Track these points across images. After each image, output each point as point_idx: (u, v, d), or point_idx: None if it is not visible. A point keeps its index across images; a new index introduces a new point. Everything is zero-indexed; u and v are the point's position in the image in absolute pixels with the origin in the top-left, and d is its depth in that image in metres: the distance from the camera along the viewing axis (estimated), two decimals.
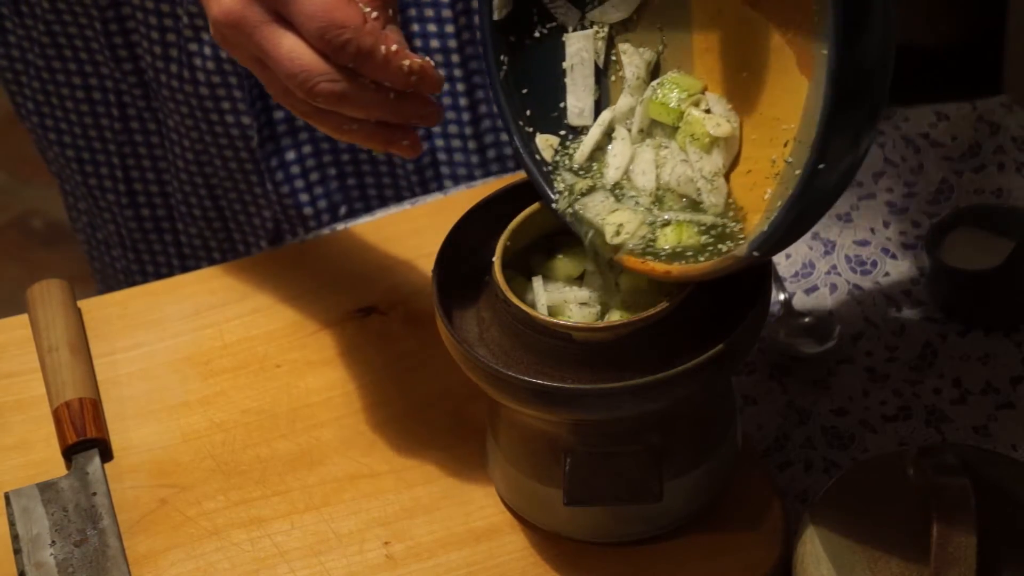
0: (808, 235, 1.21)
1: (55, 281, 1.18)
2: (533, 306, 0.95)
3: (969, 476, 0.96)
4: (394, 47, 0.90)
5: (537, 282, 0.97)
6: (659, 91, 0.93)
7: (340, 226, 1.28)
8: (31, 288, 1.17)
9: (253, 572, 1.02)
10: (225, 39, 0.92)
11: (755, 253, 0.86)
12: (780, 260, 1.20)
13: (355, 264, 1.20)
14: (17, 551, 1.03)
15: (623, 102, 0.96)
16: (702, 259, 0.90)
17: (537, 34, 0.98)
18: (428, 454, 1.07)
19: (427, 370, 1.11)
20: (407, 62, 0.91)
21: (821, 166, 0.81)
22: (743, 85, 0.91)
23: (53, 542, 1.03)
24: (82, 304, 1.18)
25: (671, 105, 0.93)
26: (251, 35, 0.91)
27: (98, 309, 1.18)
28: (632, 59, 0.96)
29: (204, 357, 1.15)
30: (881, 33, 0.80)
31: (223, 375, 1.13)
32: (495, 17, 0.96)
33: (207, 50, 1.28)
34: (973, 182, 1.24)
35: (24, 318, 1.17)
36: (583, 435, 0.94)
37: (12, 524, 1.04)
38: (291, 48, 0.90)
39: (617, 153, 0.96)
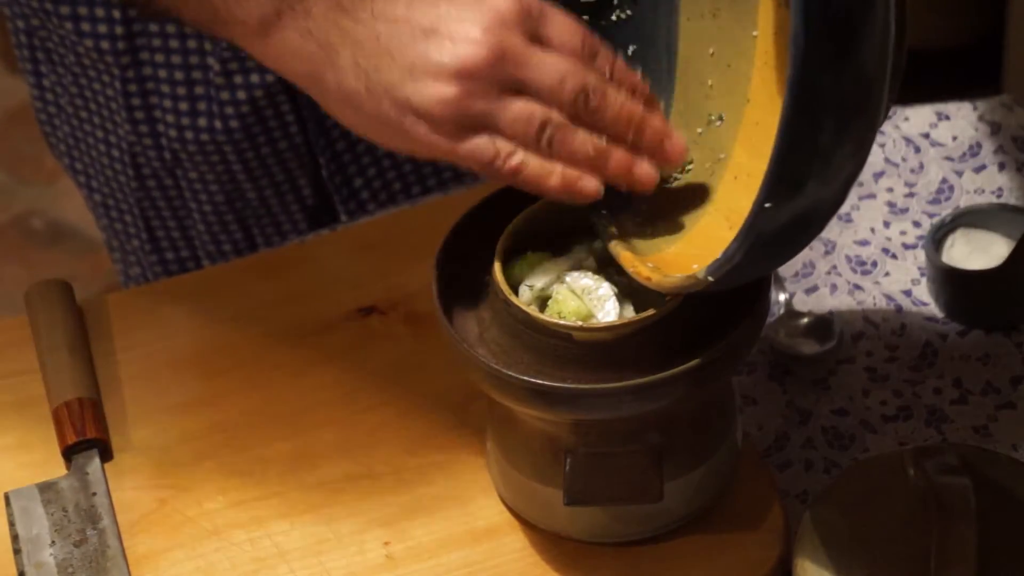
0: None
1: (55, 281, 1.18)
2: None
3: (969, 476, 0.96)
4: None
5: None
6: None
7: (340, 226, 1.28)
8: (31, 288, 1.17)
9: (253, 572, 1.02)
10: (471, 89, 0.87)
11: (709, 278, 0.86)
12: None
13: (355, 264, 1.20)
14: (17, 551, 1.03)
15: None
16: (677, 275, 0.90)
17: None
18: (428, 454, 1.07)
19: (427, 370, 1.11)
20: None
21: (767, 205, 0.81)
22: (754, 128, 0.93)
23: (53, 542, 1.03)
24: (82, 304, 1.18)
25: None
26: (517, 62, 0.87)
27: (98, 309, 1.18)
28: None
29: (204, 357, 1.14)
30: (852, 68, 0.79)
31: (223, 375, 1.13)
32: None
33: (237, 101, 1.28)
34: (973, 182, 1.24)
35: (24, 318, 1.17)
36: (583, 435, 0.94)
37: (12, 524, 1.04)
38: (556, 58, 0.88)
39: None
